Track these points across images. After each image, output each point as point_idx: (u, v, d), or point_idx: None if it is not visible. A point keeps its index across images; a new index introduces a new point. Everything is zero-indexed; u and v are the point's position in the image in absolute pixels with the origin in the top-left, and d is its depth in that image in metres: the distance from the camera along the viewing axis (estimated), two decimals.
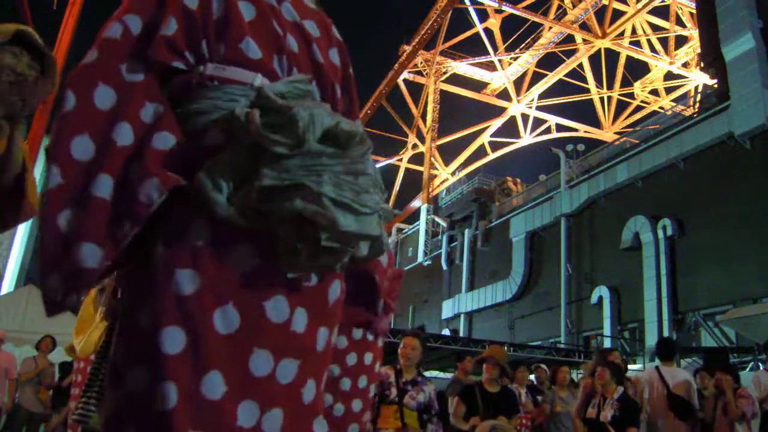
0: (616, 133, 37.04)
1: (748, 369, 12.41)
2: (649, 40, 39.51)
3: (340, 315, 1.06)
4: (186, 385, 0.85)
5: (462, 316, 28.32)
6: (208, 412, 0.85)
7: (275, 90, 0.96)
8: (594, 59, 38.85)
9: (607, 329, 20.38)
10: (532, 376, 7.55)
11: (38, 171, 13.17)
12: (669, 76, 39.62)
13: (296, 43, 1.10)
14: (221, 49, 1.02)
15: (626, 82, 40.47)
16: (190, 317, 0.87)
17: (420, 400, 4.17)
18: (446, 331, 27.07)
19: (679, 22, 39.06)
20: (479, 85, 40.74)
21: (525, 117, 39.34)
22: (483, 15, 39.05)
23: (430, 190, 36.27)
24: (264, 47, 1.04)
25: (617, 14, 37.18)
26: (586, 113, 40.70)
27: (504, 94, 39.98)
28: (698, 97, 27.52)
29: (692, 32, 35.32)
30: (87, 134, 0.91)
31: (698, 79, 35.68)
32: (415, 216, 36.53)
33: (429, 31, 38.09)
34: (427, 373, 7.83)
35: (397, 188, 40.70)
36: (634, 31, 39.03)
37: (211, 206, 0.88)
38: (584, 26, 37.26)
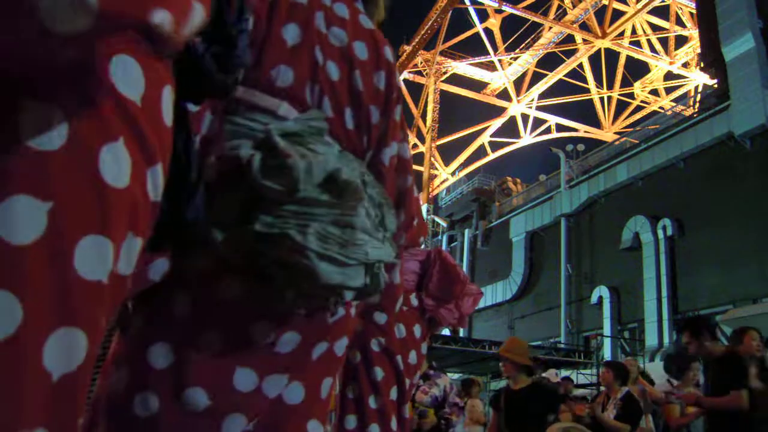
0: (616, 133, 37.04)
1: None
2: (649, 40, 39.52)
3: (347, 328, 1.12)
4: (168, 396, 0.90)
5: None
6: (191, 421, 0.91)
7: (288, 129, 0.96)
8: (594, 59, 38.90)
9: (607, 329, 20.39)
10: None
11: None
12: (669, 76, 39.63)
13: (338, 70, 1.08)
14: (255, 72, 1.00)
15: (626, 82, 40.52)
16: (179, 334, 0.93)
17: (435, 394, 3.95)
18: (446, 331, 27.06)
19: (679, 22, 39.07)
20: (479, 85, 40.75)
21: (525, 117, 39.36)
22: (483, 15, 39.08)
23: (430, 190, 36.27)
24: (297, 75, 1.03)
25: (617, 14, 37.19)
26: (586, 113, 40.76)
27: (504, 94, 40.01)
28: (698, 97, 27.52)
29: (692, 32, 35.32)
30: None
31: (698, 79, 35.68)
32: None
33: (429, 31, 38.09)
34: None
35: None
36: (634, 31, 39.03)
37: (209, 240, 0.91)
38: (584, 26, 37.26)
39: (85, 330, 0.54)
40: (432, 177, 37.18)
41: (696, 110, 22.83)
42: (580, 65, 38.63)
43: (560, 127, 38.99)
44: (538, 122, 39.29)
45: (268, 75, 1.01)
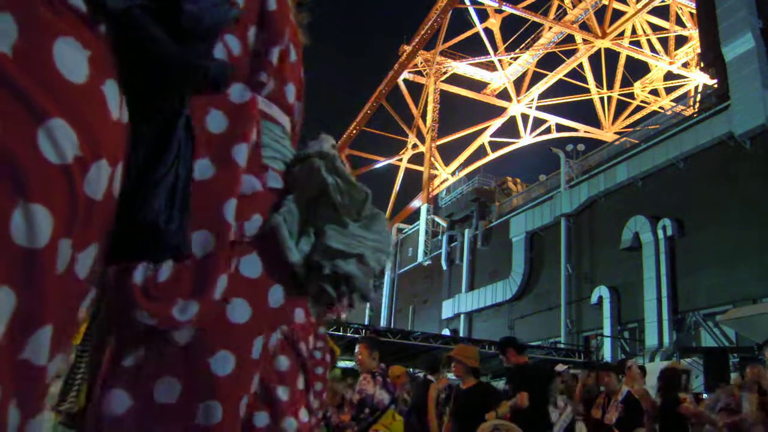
0: (616, 133, 37.03)
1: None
2: (649, 40, 39.52)
3: None
4: (232, 406, 0.91)
5: (462, 316, 28.31)
6: None
7: (324, 152, 1.02)
8: (594, 59, 38.90)
9: (607, 329, 20.38)
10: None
11: None
12: (669, 76, 39.62)
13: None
14: (271, 85, 1.03)
15: (626, 82, 40.53)
16: (237, 345, 0.92)
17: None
18: (446, 331, 27.06)
19: (679, 22, 39.07)
20: (479, 85, 40.74)
21: (525, 117, 39.33)
22: (483, 15, 39.08)
23: (430, 190, 36.26)
24: (296, 92, 1.09)
25: (617, 14, 37.18)
26: (586, 113, 40.76)
27: (504, 94, 39.99)
28: (698, 97, 27.51)
29: (692, 32, 35.31)
30: (208, 157, 0.91)
31: (698, 79, 35.67)
32: (415, 216, 36.52)
33: (429, 31, 38.10)
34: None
35: (397, 188, 40.73)
36: (634, 31, 39.03)
37: (283, 251, 0.95)
38: (584, 26, 37.25)
39: None
40: (432, 177, 37.17)
41: (696, 110, 22.82)
42: (580, 65, 38.63)
43: (560, 127, 38.97)
44: (538, 122, 39.29)
45: (282, 90, 1.05)
